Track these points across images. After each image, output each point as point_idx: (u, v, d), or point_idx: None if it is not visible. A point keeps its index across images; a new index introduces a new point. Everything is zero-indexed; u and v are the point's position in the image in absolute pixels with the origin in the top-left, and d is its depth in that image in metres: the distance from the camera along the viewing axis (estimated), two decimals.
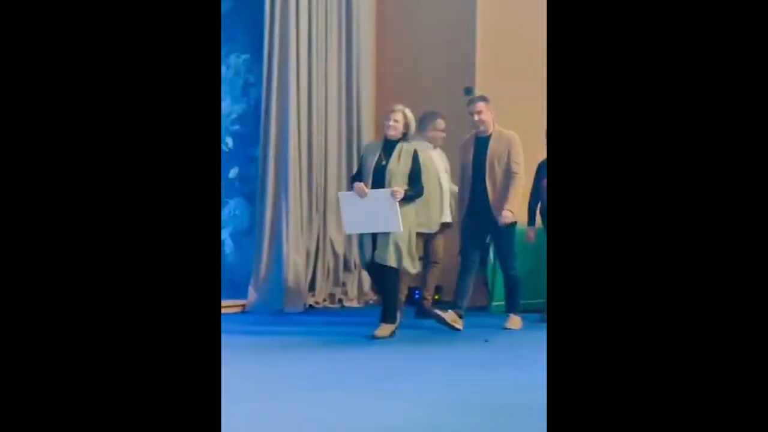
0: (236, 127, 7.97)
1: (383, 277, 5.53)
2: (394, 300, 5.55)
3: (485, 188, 5.96)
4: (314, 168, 7.29)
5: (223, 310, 6.40)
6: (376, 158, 5.62)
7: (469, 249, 6.04)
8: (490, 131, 6.02)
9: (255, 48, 7.55)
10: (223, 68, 7.90)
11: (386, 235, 5.44)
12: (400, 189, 5.45)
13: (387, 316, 5.49)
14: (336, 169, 7.49)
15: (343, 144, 7.59)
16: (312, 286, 7.27)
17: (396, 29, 8.09)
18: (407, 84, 7.72)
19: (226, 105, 7.95)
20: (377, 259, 5.45)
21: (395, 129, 5.56)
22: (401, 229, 5.41)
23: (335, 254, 7.39)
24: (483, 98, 6.13)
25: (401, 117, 5.57)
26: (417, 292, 6.80)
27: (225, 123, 7.93)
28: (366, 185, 5.52)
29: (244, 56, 7.93)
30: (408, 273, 5.65)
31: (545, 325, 5.37)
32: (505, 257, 6.10)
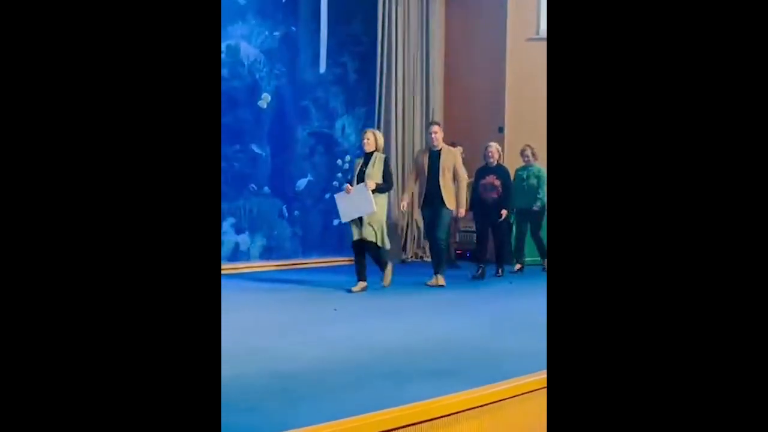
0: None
1: (366, 249, 7.84)
2: (362, 265, 7.88)
3: (438, 186, 8.22)
4: (405, 166, 10.64)
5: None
6: (360, 166, 7.92)
7: (429, 227, 8.39)
8: (439, 147, 8.36)
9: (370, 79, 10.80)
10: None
11: (368, 220, 7.67)
12: (371, 182, 7.65)
13: (361, 276, 7.87)
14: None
15: (423, 142, 10.78)
16: (404, 248, 10.70)
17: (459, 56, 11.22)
18: (466, 99, 10.90)
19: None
20: (364, 236, 7.76)
21: (368, 145, 7.84)
22: (374, 209, 7.60)
23: (418, 228, 10.74)
24: (437, 123, 8.77)
25: (372, 136, 7.91)
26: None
27: (359, 125, 11.05)
28: (352, 185, 7.79)
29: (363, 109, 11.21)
30: (383, 247, 7.87)
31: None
32: (438, 228, 8.24)
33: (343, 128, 10.82)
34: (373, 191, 7.72)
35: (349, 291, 7.79)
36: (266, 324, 6.14)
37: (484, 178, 9.03)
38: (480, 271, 8.94)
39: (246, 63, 9.93)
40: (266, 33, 10.07)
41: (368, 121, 10.59)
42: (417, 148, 10.68)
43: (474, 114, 10.89)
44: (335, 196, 8.08)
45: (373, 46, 10.54)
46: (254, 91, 9.95)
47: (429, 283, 8.23)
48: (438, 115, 10.90)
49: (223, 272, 9.06)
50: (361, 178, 7.85)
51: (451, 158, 8.38)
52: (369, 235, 7.83)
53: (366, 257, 7.99)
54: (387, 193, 7.99)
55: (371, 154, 7.94)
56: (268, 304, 7.04)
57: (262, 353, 5.01)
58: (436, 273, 8.27)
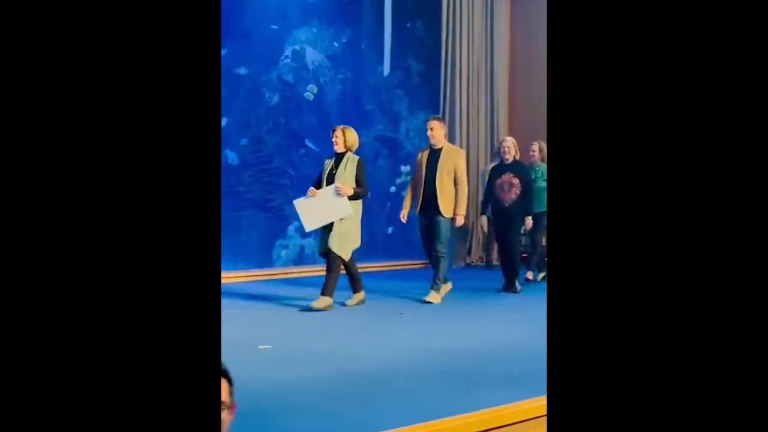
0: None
1: (330, 262, 6.82)
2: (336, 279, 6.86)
3: (435, 189, 7.22)
4: (470, 173, 10.57)
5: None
6: (329, 167, 6.98)
7: (426, 237, 7.37)
8: (440, 145, 7.30)
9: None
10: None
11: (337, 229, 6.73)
12: (345, 186, 6.73)
13: (327, 290, 6.80)
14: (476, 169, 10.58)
15: (488, 146, 10.74)
16: (469, 251, 10.63)
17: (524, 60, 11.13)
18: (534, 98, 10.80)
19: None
20: (330, 246, 6.76)
21: (337, 144, 6.89)
22: (350, 211, 6.75)
23: (484, 232, 10.67)
24: (437, 118, 7.66)
25: (340, 134, 6.92)
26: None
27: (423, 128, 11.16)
28: (319, 188, 6.85)
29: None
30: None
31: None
32: (435, 239, 7.25)
33: (407, 132, 10.82)
34: (350, 198, 6.83)
35: (310, 309, 6.79)
36: (333, 327, 6.17)
37: (500, 176, 7.91)
38: (509, 282, 7.97)
39: (311, 68, 10.00)
40: (331, 37, 10.13)
41: None
42: (482, 152, 10.65)
43: (541, 116, 10.76)
44: (294, 202, 7.09)
45: (437, 48, 10.51)
46: (320, 96, 10.02)
47: (425, 299, 7.27)
48: (503, 117, 10.83)
49: (288, 276, 9.15)
50: (330, 181, 6.92)
51: (452, 159, 7.33)
52: (334, 244, 6.83)
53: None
54: (360, 201, 7.01)
55: (343, 154, 6.98)
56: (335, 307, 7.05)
57: (332, 356, 5.03)
58: (432, 287, 7.31)
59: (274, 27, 9.66)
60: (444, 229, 7.24)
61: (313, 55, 9.99)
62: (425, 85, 10.82)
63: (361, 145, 10.35)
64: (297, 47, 9.87)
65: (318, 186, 6.95)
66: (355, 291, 7.12)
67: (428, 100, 10.73)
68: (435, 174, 7.23)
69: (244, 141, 9.49)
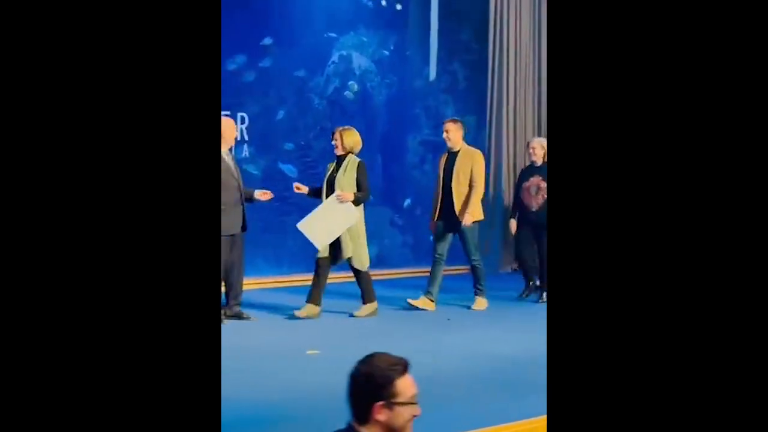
0: None
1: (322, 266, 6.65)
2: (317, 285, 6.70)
3: (451, 194, 7.01)
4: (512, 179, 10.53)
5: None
6: (330, 171, 6.76)
7: (437, 243, 7.16)
8: (457, 148, 7.08)
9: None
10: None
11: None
12: (345, 193, 6.46)
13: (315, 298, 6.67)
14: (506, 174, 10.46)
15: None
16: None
17: None
18: None
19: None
20: (346, 255, 6.59)
21: (336, 147, 6.69)
22: (357, 218, 6.46)
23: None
24: (453, 120, 7.35)
25: (339, 136, 6.69)
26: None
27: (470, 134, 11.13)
28: (322, 194, 6.61)
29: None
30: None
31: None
32: (467, 250, 7.08)
33: None
34: (354, 196, 6.54)
35: (292, 316, 6.65)
36: (381, 331, 6.16)
37: (527, 179, 7.69)
38: (529, 288, 7.80)
39: (357, 72, 10.02)
40: (377, 43, 10.14)
41: (479, 129, 10.51)
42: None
43: None
44: (298, 226, 6.64)
45: (483, 53, 10.47)
46: (365, 101, 10.03)
47: (472, 306, 7.17)
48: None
49: (337, 281, 9.15)
50: (331, 186, 6.68)
51: (468, 161, 7.06)
52: (348, 252, 6.62)
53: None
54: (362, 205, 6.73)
55: (343, 157, 6.73)
56: (381, 312, 7.01)
57: None
58: (476, 294, 7.20)
59: (332, 35, 9.68)
60: (469, 236, 7.03)
61: (359, 61, 10.01)
62: (471, 89, 10.76)
63: (405, 150, 10.42)
64: (344, 53, 9.90)
65: (319, 191, 6.74)
66: (365, 301, 6.79)
67: (474, 105, 10.67)
68: (451, 178, 7.05)
69: (290, 146, 9.53)
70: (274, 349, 5.65)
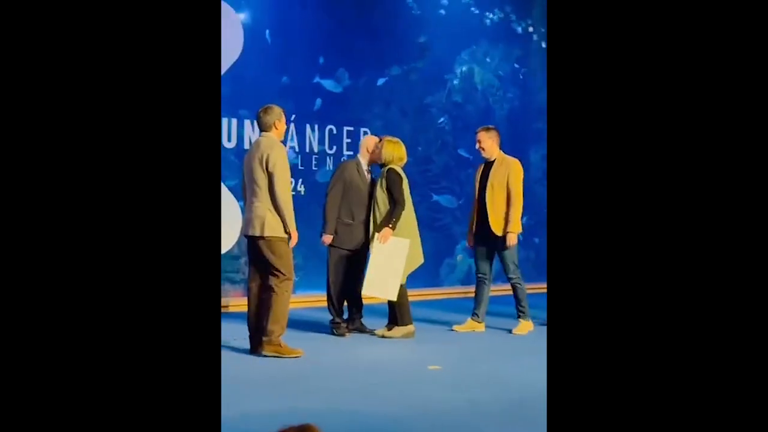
0: None
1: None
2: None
3: (485, 207, 6.48)
4: None
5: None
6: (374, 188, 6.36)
7: (479, 263, 6.69)
8: (492, 157, 6.54)
9: None
10: None
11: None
12: (383, 232, 6.09)
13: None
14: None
15: None
16: None
17: None
18: None
19: None
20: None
21: (376, 157, 6.38)
22: (408, 243, 6.08)
23: None
24: (486, 128, 6.69)
25: (373, 147, 6.41)
26: None
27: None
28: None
29: None
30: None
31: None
32: (505, 268, 6.56)
33: None
34: (390, 226, 6.11)
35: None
36: (496, 350, 6.06)
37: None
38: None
39: (480, 88, 9.98)
40: (499, 57, 10.08)
41: None
42: None
43: None
44: (363, 293, 6.31)
45: None
46: (487, 115, 9.98)
47: (513, 331, 6.63)
48: None
49: (454, 296, 9.11)
50: (371, 200, 6.35)
51: (504, 170, 6.51)
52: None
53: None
54: (413, 214, 6.36)
55: (383, 165, 6.32)
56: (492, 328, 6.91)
57: (499, 378, 4.95)
58: (518, 317, 6.67)
59: (454, 50, 9.69)
60: (507, 252, 6.49)
61: (481, 75, 9.97)
62: None
63: (528, 164, 10.28)
64: (465, 68, 9.88)
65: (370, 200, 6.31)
66: (400, 323, 6.35)
67: None
68: (485, 189, 6.52)
69: (409, 160, 9.57)
70: (395, 363, 5.64)
